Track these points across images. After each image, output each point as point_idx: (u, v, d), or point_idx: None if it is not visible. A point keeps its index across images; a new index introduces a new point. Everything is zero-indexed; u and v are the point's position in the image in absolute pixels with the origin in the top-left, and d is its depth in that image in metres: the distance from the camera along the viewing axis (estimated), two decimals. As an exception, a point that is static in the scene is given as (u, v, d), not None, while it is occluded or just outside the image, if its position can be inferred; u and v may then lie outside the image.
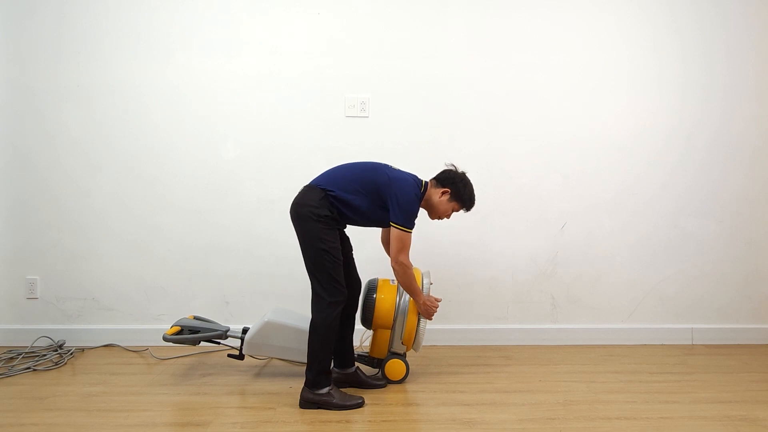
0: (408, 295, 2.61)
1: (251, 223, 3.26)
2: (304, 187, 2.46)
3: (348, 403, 2.36)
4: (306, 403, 2.36)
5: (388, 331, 2.66)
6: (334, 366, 2.61)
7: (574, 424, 2.23)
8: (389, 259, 2.50)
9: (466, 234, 3.31)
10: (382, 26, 3.26)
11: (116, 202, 3.24)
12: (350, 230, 2.59)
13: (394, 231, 2.39)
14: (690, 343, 3.38)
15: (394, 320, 2.63)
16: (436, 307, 2.61)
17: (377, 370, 2.73)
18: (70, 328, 3.23)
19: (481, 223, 3.31)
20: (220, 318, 3.23)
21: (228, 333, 2.74)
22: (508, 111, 3.30)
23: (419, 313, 2.62)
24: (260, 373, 2.80)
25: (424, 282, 2.68)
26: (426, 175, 3.34)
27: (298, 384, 2.60)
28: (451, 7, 3.27)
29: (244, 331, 2.74)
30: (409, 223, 2.40)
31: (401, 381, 2.67)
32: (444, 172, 2.62)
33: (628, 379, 2.76)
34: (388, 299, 2.63)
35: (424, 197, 2.55)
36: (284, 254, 3.22)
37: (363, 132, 3.27)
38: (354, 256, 2.63)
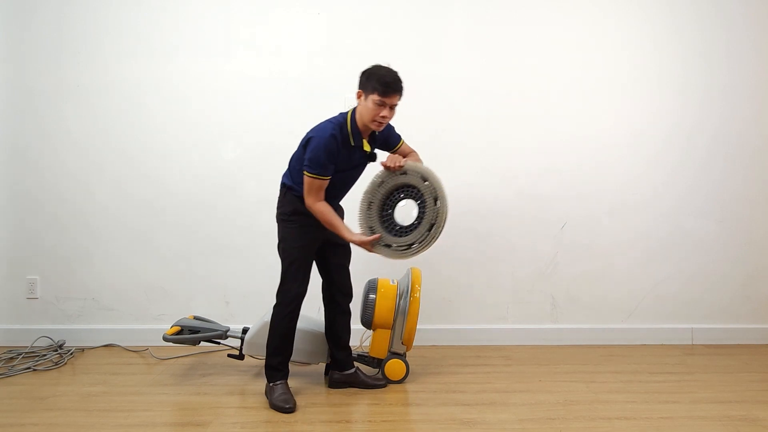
0: (408, 295, 2.61)
1: (251, 223, 3.26)
2: None
3: (278, 405, 2.34)
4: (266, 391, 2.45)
5: (388, 331, 2.66)
6: (334, 369, 2.62)
7: (574, 424, 2.23)
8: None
9: (466, 234, 3.31)
10: (382, 26, 3.25)
11: (116, 202, 3.23)
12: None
13: (304, 178, 2.33)
14: (690, 343, 3.38)
15: (394, 320, 2.63)
16: (368, 243, 2.38)
17: (377, 370, 2.73)
18: (70, 328, 3.23)
19: (481, 223, 3.31)
20: (220, 318, 3.22)
21: (228, 333, 2.74)
22: (508, 111, 3.30)
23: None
24: (260, 373, 2.80)
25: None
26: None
27: (298, 384, 2.61)
28: (451, 7, 3.26)
29: (244, 331, 2.74)
30: (311, 168, 2.29)
31: (401, 381, 2.67)
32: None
33: (628, 379, 2.76)
34: (388, 299, 2.63)
35: (356, 118, 2.40)
36: (284, 254, 3.22)
37: (363, 132, 3.26)
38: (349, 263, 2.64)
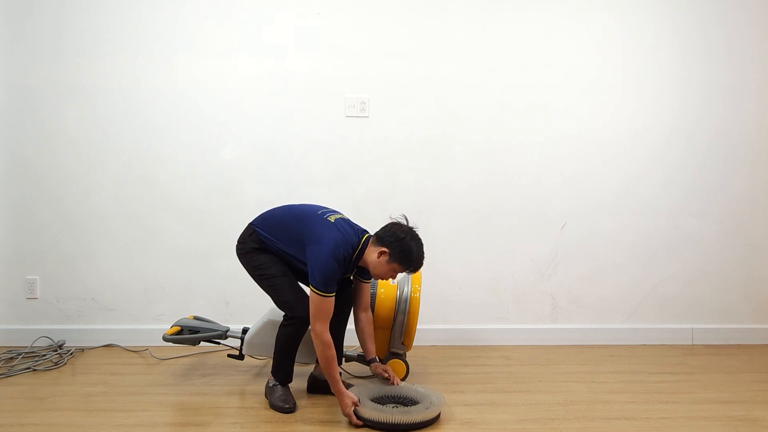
0: (408, 295, 2.61)
1: (251, 223, 3.26)
2: None
3: (277, 405, 2.33)
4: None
5: (388, 331, 2.66)
6: (314, 370, 2.60)
7: (573, 424, 2.23)
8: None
9: (467, 234, 3.31)
10: (382, 26, 3.26)
11: (116, 202, 3.23)
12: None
13: (311, 294, 2.21)
14: (690, 343, 3.38)
15: (394, 320, 2.63)
16: (349, 407, 2.19)
17: (377, 370, 2.73)
18: (70, 328, 3.22)
19: (481, 223, 3.31)
20: (220, 318, 3.22)
21: (228, 333, 2.74)
22: (508, 111, 3.30)
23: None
24: (260, 373, 2.80)
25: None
26: (428, 174, 3.34)
27: (298, 384, 2.61)
28: (451, 6, 3.26)
29: (244, 331, 2.74)
30: (324, 287, 2.17)
31: (401, 381, 2.66)
32: (387, 227, 2.31)
33: (628, 379, 2.76)
34: (388, 299, 2.63)
35: (364, 255, 2.32)
36: (284, 254, 3.22)
37: (363, 132, 3.27)
38: None
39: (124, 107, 3.22)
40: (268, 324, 2.65)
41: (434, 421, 2.21)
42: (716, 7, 3.33)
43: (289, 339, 2.36)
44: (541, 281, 3.35)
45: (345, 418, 2.24)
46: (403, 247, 2.24)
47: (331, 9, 3.24)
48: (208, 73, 3.22)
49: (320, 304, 2.18)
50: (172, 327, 2.74)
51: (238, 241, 2.50)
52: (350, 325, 2.62)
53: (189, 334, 2.72)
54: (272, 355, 2.42)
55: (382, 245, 2.26)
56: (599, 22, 3.31)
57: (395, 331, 2.64)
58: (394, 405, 2.30)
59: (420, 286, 2.66)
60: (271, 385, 2.42)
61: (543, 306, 3.36)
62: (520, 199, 3.32)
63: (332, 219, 2.35)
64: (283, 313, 2.39)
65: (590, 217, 3.35)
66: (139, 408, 2.36)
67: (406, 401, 2.33)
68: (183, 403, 2.41)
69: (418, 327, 2.66)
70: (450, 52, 3.27)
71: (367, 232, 2.38)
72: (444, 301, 3.31)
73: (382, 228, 2.32)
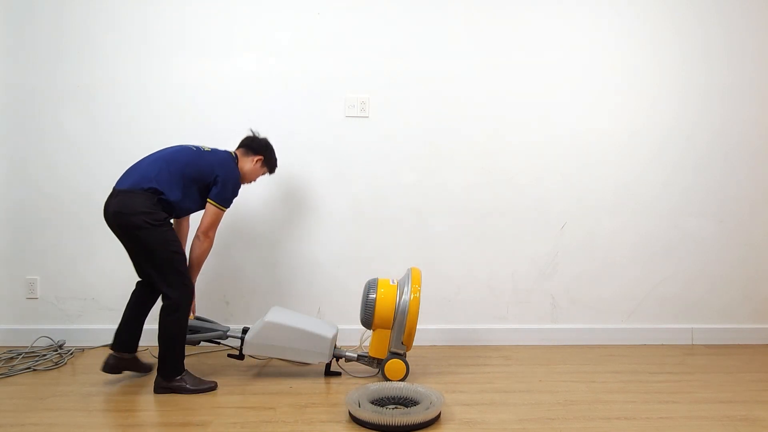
0: (408, 295, 2.61)
1: (251, 223, 3.26)
2: (122, 191, 2.44)
3: (201, 387, 2.47)
4: (160, 389, 2.47)
5: (388, 331, 2.66)
6: (115, 350, 2.60)
7: (573, 424, 2.23)
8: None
9: (466, 234, 3.31)
10: (382, 26, 3.26)
11: (116, 202, 3.23)
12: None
13: (211, 208, 2.54)
14: (690, 343, 3.38)
15: (394, 320, 2.63)
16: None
17: (377, 370, 2.73)
18: (70, 328, 3.22)
19: (481, 223, 3.31)
20: (220, 318, 3.22)
21: (228, 333, 2.74)
22: (508, 111, 3.30)
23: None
24: (260, 373, 2.80)
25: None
26: (428, 174, 3.35)
27: (299, 384, 2.61)
28: (451, 6, 3.27)
29: (244, 331, 2.74)
30: (228, 203, 2.59)
31: (401, 381, 2.66)
32: (253, 140, 2.75)
33: (628, 379, 2.76)
34: (388, 299, 2.63)
35: (239, 168, 2.68)
36: (284, 254, 3.22)
37: (363, 132, 3.27)
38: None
39: (124, 107, 3.22)
40: (268, 324, 2.66)
41: (434, 421, 2.21)
42: (716, 7, 3.33)
43: (186, 323, 2.49)
44: (541, 281, 3.35)
45: (345, 418, 2.24)
46: (272, 151, 2.78)
47: (331, 9, 3.24)
48: (208, 72, 3.22)
49: (219, 216, 2.57)
50: (172, 327, 2.74)
51: (138, 211, 2.37)
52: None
53: (189, 334, 2.71)
54: (171, 350, 2.46)
55: (257, 154, 2.72)
56: (599, 22, 3.31)
57: (395, 331, 2.64)
58: (394, 406, 2.30)
59: (420, 286, 2.66)
60: (181, 376, 2.47)
61: (543, 306, 3.36)
62: (520, 199, 3.32)
63: (209, 149, 2.65)
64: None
65: (590, 217, 3.35)
66: (139, 408, 2.36)
67: (406, 402, 2.33)
68: (183, 403, 2.41)
69: (418, 327, 2.66)
70: (450, 52, 3.27)
71: (230, 151, 2.72)
72: (444, 301, 3.32)
73: (248, 141, 2.75)
